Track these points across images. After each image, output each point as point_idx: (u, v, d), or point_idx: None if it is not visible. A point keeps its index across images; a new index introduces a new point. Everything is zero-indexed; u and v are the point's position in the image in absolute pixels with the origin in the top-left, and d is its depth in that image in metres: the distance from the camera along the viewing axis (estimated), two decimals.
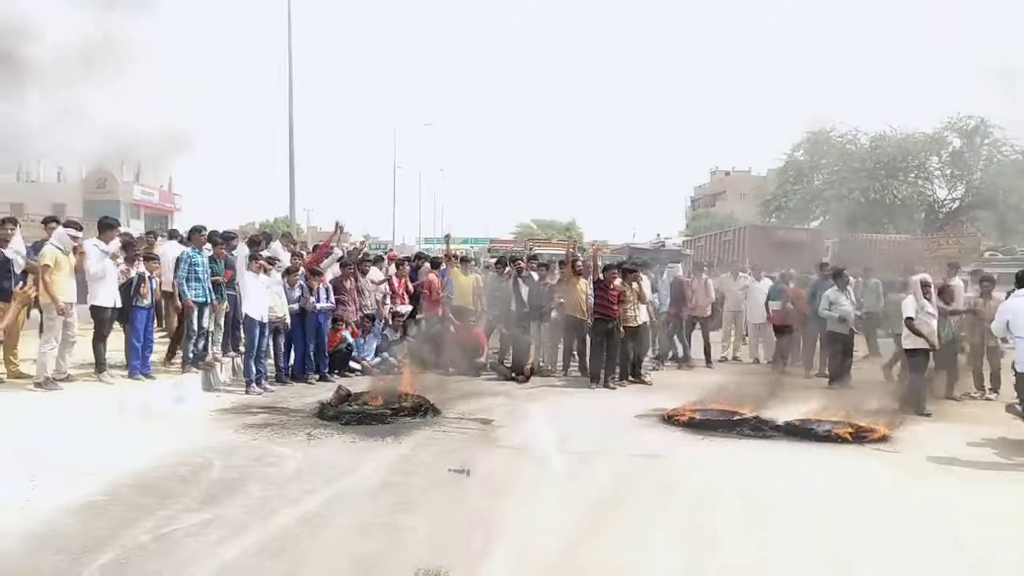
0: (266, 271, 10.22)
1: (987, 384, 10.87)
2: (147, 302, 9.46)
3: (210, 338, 10.68)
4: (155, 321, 10.26)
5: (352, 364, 11.74)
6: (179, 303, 9.96)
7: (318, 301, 11.00)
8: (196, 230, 10.56)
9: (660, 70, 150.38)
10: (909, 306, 9.87)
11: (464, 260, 14.35)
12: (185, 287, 9.85)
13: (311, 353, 11.02)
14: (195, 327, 9.99)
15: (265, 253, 10.96)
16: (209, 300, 10.12)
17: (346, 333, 11.63)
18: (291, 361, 10.99)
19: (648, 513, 5.74)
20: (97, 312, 9.15)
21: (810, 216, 38.17)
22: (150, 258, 9.85)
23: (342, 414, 8.36)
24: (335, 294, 11.54)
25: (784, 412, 8.65)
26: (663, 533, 5.32)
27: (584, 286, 11.92)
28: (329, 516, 5.47)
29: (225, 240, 11.12)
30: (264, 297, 10.05)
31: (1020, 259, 21.54)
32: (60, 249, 8.68)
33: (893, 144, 36.11)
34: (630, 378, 11.63)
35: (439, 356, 11.53)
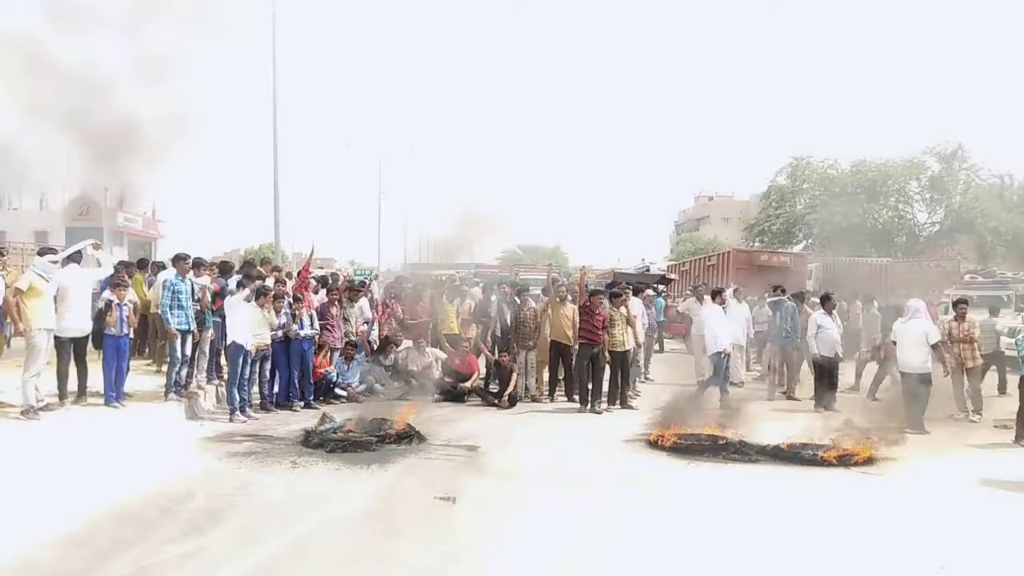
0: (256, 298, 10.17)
1: (969, 406, 10.93)
2: (114, 330, 9.38)
3: (195, 366, 10.63)
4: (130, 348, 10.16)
5: (337, 391, 11.68)
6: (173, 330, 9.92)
7: (301, 328, 10.94)
8: (180, 257, 10.51)
9: (644, 96, 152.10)
10: (933, 332, 10.22)
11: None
12: (168, 314, 9.79)
13: (296, 380, 10.94)
14: (178, 355, 9.91)
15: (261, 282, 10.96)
16: (191, 328, 10.06)
17: (328, 370, 11.58)
18: (275, 388, 10.90)
19: (635, 539, 5.71)
20: (59, 342, 9.09)
21: (793, 240, 38.51)
22: (118, 285, 9.75)
23: (327, 442, 8.29)
24: (320, 319, 11.50)
25: (770, 435, 8.67)
26: (650, 560, 5.30)
27: (570, 311, 11.93)
28: (314, 545, 5.41)
29: (222, 271, 11.19)
30: (249, 324, 9.98)
31: (1000, 281, 21.77)
32: (41, 276, 8.62)
33: (873, 169, 36.58)
34: (617, 403, 11.60)
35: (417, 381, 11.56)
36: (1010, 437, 9.68)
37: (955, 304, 11.50)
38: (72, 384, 9.24)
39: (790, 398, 12.51)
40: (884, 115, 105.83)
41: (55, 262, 8.89)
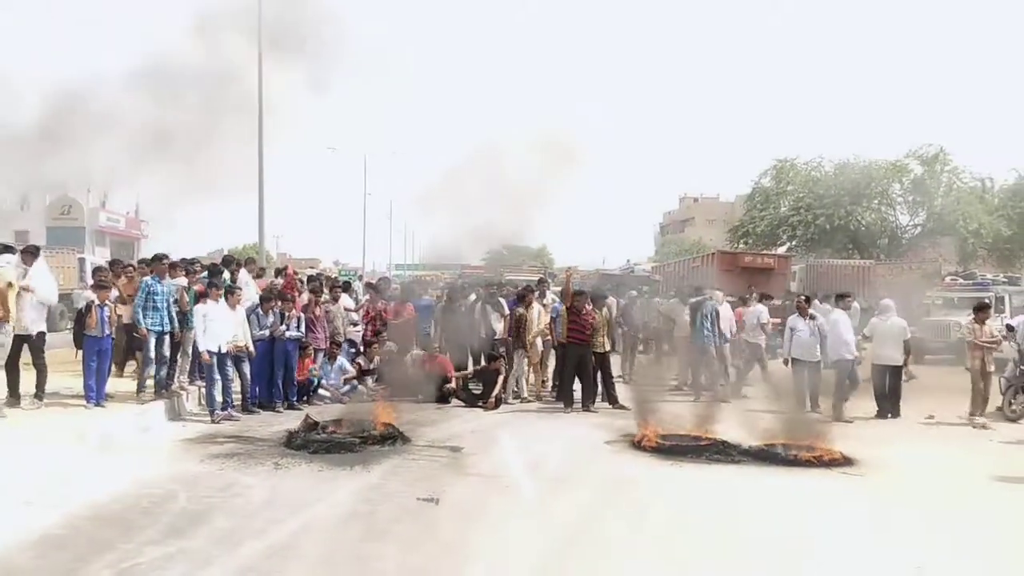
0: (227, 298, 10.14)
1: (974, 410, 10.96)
2: (95, 332, 9.32)
3: (177, 367, 10.57)
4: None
5: (321, 392, 11.64)
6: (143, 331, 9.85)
7: (288, 329, 10.90)
8: (158, 258, 10.43)
9: (628, 98, 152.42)
10: (907, 329, 11.24)
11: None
12: (141, 315, 9.72)
13: (279, 381, 10.89)
14: (151, 355, 9.84)
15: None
16: (166, 329, 9.96)
17: (313, 367, 11.53)
18: (258, 390, 10.85)
19: (618, 540, 5.74)
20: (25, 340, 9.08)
21: (777, 242, 38.65)
22: (101, 286, 9.68)
23: (310, 443, 8.25)
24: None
25: (751, 436, 8.71)
26: (633, 560, 5.33)
27: (538, 313, 12.03)
28: (297, 547, 5.40)
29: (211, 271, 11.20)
30: (221, 326, 9.93)
31: (981, 284, 22.02)
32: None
33: (857, 171, 36.78)
34: (599, 402, 11.62)
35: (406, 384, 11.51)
36: (987, 436, 9.84)
37: (976, 309, 11.55)
38: (27, 384, 9.21)
39: (720, 400, 11.89)
40: (868, 117, 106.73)
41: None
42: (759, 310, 13.54)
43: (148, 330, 9.74)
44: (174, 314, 10.07)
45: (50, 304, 9.28)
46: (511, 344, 12.31)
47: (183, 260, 11.36)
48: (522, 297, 12.63)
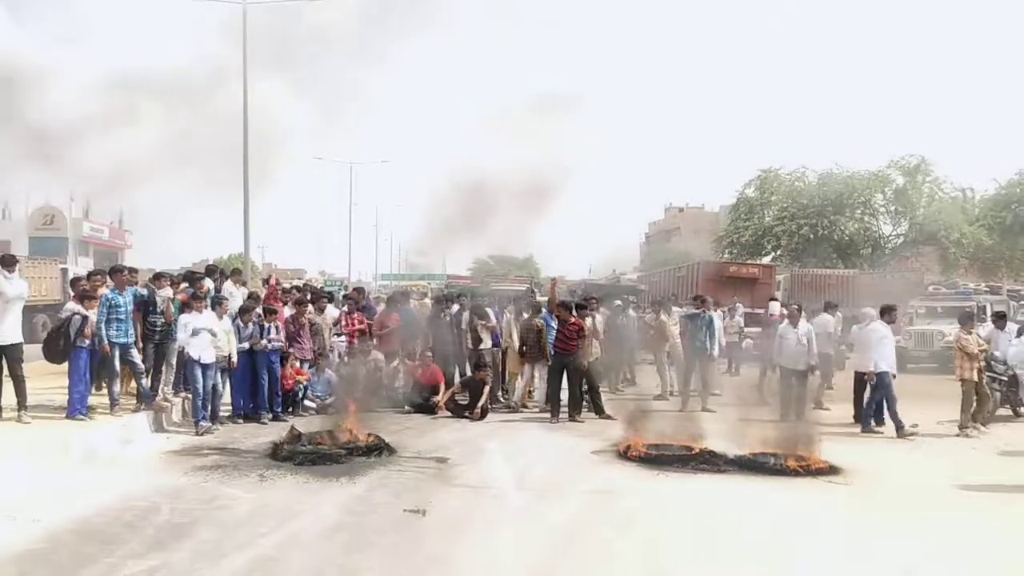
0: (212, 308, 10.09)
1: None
2: (89, 343, 9.23)
3: (162, 378, 10.49)
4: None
5: (306, 403, 11.58)
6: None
7: (270, 342, 10.83)
8: (116, 270, 10.34)
9: (614, 108, 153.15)
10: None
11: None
12: (103, 330, 9.54)
13: (264, 392, 10.83)
14: (116, 369, 9.76)
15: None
16: (130, 342, 9.80)
17: (299, 379, 11.47)
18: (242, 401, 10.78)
19: (605, 551, 5.73)
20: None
21: (762, 251, 38.84)
22: (91, 297, 9.60)
23: (295, 454, 8.22)
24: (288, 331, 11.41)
25: (737, 446, 8.73)
26: (620, 570, 5.33)
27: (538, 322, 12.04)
28: (282, 559, 5.37)
29: (192, 282, 11.08)
30: (204, 336, 9.85)
31: (963, 293, 22.24)
32: None
33: (840, 181, 37.03)
34: (584, 413, 11.62)
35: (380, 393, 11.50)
36: (971, 444, 9.90)
37: (962, 321, 11.53)
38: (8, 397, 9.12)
39: (705, 409, 12.00)
40: (850, 128, 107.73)
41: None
42: (826, 320, 13.30)
43: (112, 343, 9.57)
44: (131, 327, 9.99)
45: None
46: (532, 354, 12.16)
47: (186, 273, 11.31)
48: (539, 309, 12.54)
